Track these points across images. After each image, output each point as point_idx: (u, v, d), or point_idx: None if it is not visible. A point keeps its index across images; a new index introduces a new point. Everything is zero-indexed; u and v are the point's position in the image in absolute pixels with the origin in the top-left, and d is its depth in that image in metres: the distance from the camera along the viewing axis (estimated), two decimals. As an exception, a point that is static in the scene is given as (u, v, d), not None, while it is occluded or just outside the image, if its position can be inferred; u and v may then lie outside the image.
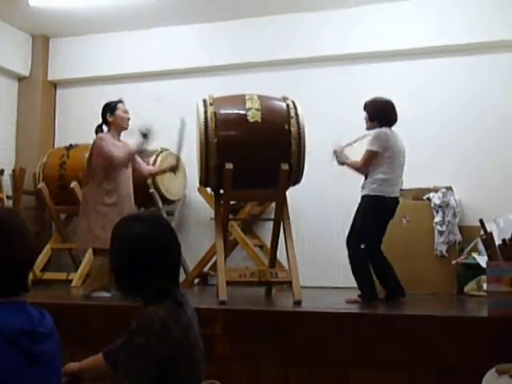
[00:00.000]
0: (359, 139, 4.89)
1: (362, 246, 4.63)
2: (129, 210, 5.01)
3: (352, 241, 4.67)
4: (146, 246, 2.04)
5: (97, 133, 5.09)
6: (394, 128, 4.81)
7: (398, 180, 4.75)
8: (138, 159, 5.27)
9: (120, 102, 5.14)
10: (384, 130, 4.71)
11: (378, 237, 4.75)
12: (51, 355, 1.63)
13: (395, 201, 4.75)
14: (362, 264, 4.63)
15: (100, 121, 5.13)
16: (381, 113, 4.77)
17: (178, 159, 5.30)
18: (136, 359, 1.91)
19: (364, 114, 4.83)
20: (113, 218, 4.89)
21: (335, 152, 4.86)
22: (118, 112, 5.08)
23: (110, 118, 5.06)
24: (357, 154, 4.81)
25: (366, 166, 4.71)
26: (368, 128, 4.81)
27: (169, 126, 6.79)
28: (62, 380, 1.90)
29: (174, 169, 5.32)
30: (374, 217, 4.65)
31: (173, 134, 6.78)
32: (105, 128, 5.14)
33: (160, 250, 2.06)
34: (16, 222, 1.67)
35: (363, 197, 4.70)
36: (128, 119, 5.16)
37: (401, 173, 4.78)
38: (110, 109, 5.08)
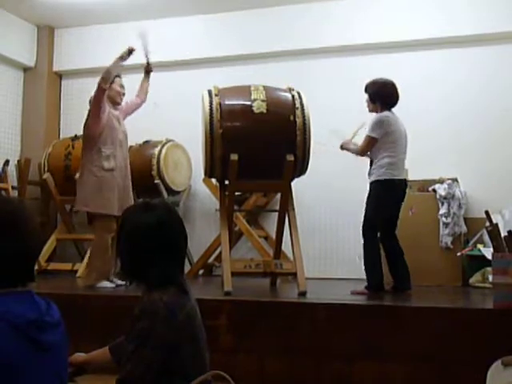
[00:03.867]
0: (361, 128, 4.89)
1: (378, 235, 4.61)
2: (123, 181, 4.98)
3: (366, 229, 4.61)
4: (157, 233, 2.05)
5: (91, 102, 4.96)
6: (397, 112, 4.75)
7: (402, 162, 4.71)
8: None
9: (118, 76, 5.02)
10: (385, 114, 4.66)
11: (393, 221, 4.70)
12: (58, 345, 1.64)
13: (404, 183, 4.72)
14: (373, 254, 4.59)
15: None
16: (382, 94, 4.72)
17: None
18: (140, 344, 1.91)
19: (366, 96, 4.79)
20: (108, 183, 4.86)
21: (342, 146, 4.86)
22: (114, 85, 4.97)
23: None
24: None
25: (365, 152, 4.70)
26: (371, 111, 4.78)
27: (174, 116, 6.85)
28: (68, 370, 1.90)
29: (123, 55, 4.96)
30: (385, 201, 4.61)
31: (179, 126, 6.79)
32: None
33: (169, 238, 2.08)
34: (24, 213, 1.67)
35: (372, 183, 4.66)
36: (123, 94, 5.09)
37: (404, 155, 4.72)
38: None
